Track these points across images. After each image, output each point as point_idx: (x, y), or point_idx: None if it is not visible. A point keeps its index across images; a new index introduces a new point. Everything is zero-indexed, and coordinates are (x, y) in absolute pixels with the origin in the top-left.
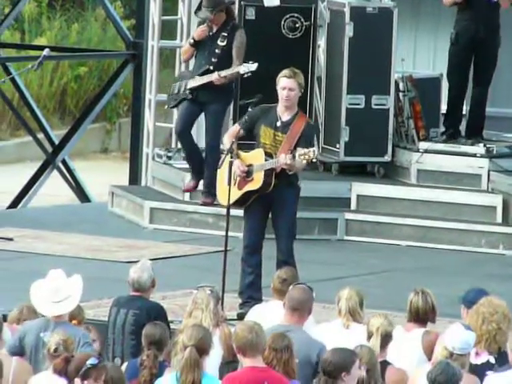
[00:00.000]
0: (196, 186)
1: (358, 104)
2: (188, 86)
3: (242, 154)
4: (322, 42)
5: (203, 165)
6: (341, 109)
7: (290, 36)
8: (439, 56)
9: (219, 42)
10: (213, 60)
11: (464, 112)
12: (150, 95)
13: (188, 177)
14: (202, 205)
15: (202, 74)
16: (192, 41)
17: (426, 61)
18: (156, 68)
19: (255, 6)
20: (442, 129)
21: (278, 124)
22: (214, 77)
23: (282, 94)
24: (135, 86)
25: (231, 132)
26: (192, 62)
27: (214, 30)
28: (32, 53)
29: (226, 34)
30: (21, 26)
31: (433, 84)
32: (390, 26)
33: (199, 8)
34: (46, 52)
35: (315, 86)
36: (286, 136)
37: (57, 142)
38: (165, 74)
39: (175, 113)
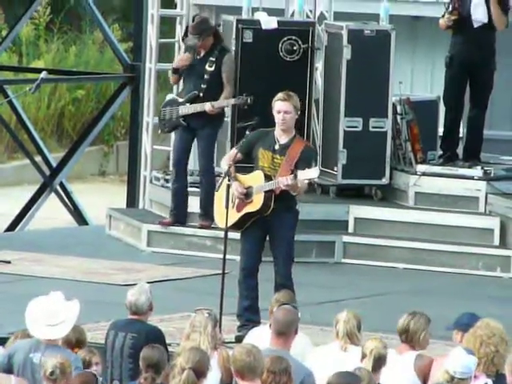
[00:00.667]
0: (170, 224)
1: (356, 127)
2: (180, 113)
3: (241, 176)
4: (319, 65)
5: (185, 208)
6: (338, 131)
7: (288, 59)
8: (436, 79)
9: (207, 67)
10: (202, 86)
11: (461, 135)
12: (148, 118)
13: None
14: (199, 228)
15: (192, 101)
16: (171, 70)
17: (423, 83)
18: (153, 91)
19: (253, 29)
20: (440, 151)
21: (276, 147)
22: (207, 107)
23: (277, 117)
24: (133, 109)
25: (228, 156)
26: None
27: (202, 54)
28: (29, 75)
29: (213, 59)
30: (18, 49)
31: (430, 107)
32: (387, 49)
33: (186, 34)
34: (43, 75)
35: (313, 108)
36: (285, 158)
37: (54, 164)
38: (162, 96)
39: (173, 136)
